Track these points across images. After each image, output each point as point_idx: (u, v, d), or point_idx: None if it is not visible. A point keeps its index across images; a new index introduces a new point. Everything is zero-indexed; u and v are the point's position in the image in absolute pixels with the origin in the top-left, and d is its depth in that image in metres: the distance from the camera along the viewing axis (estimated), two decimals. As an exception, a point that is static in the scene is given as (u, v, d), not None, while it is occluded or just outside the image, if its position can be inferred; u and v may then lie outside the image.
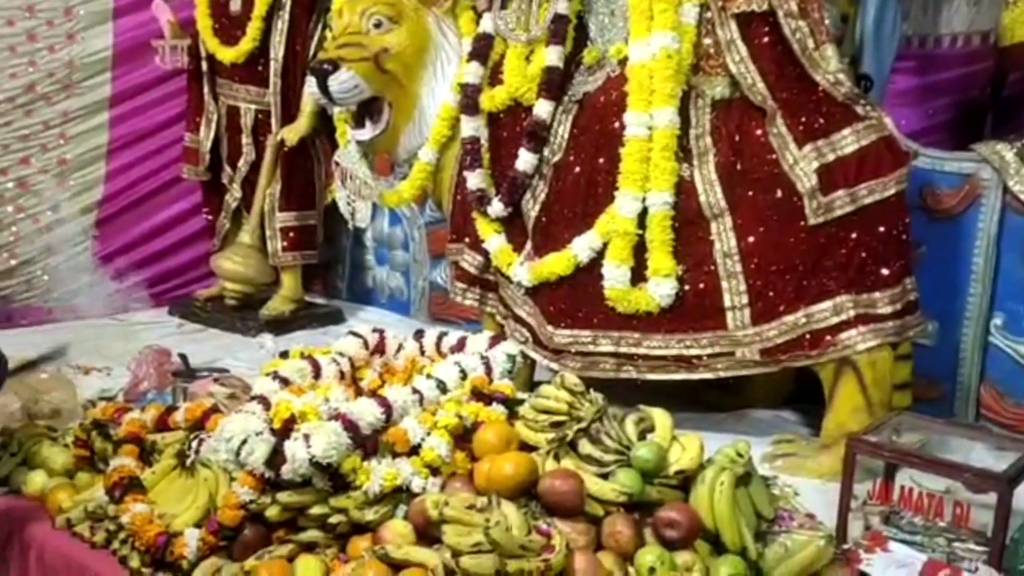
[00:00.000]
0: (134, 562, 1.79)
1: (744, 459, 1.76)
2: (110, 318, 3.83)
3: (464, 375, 2.07)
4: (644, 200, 2.42)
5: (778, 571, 1.67)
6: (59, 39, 3.76)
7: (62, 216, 3.86)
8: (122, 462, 1.96)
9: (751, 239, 2.37)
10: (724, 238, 2.39)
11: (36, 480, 2.09)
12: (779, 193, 2.34)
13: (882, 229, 2.31)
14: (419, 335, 2.39)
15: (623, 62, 2.50)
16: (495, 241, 2.73)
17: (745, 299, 2.37)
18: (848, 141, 2.32)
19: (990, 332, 2.60)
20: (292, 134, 3.62)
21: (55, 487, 2.03)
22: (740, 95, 2.41)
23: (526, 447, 1.89)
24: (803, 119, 2.34)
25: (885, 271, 2.32)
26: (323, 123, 3.60)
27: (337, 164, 3.07)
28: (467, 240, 2.84)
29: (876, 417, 2.21)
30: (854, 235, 2.31)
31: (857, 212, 2.30)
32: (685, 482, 1.77)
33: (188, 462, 1.93)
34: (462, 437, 1.91)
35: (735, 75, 2.39)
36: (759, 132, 2.38)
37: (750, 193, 2.38)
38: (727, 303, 2.39)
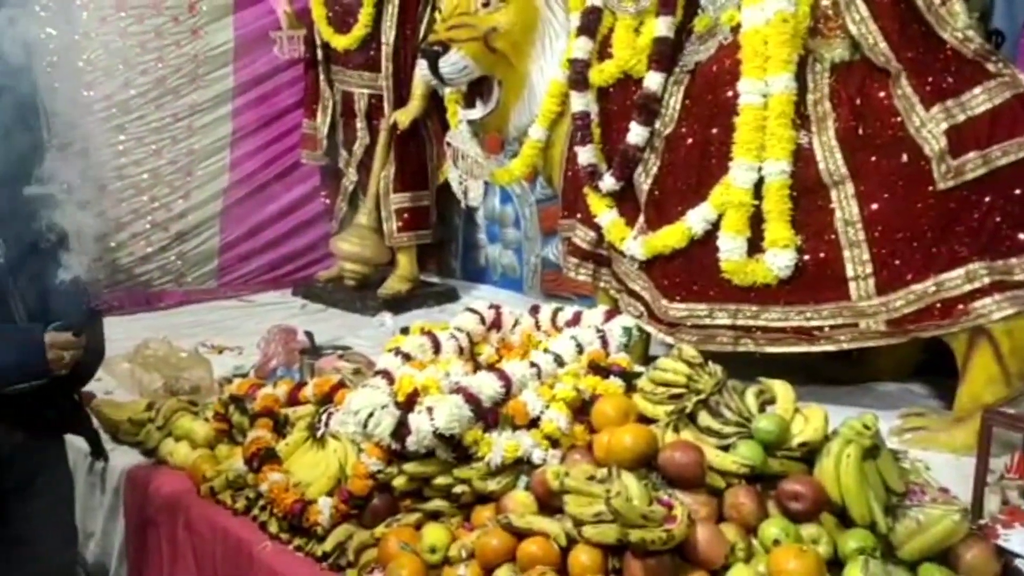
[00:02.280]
0: (273, 527, 1.89)
1: (871, 431, 1.71)
2: (238, 300, 4.02)
3: (581, 349, 2.08)
4: (760, 170, 2.38)
5: (909, 546, 1.61)
6: (184, 35, 3.94)
7: (191, 204, 4.06)
8: (258, 434, 2.06)
9: (875, 206, 2.29)
10: (846, 206, 2.32)
11: (181, 451, 2.23)
12: (905, 157, 2.26)
13: (1018, 192, 2.19)
14: (535, 310, 2.42)
15: (736, 29, 2.45)
16: (607, 216, 2.73)
17: (869, 268, 2.30)
18: (979, 100, 2.21)
19: None
20: (404, 117, 3.70)
21: (198, 458, 2.16)
22: (861, 57, 2.33)
23: (644, 419, 1.89)
24: (930, 79, 2.24)
25: (1022, 236, 2.20)
26: (434, 105, 3.67)
27: (449, 144, 3.13)
28: (579, 216, 2.85)
29: (1013, 388, 2.12)
30: (987, 199, 2.20)
31: (990, 174, 2.19)
32: (809, 455, 1.73)
33: (319, 434, 2.02)
34: (580, 410, 1.93)
35: (855, 36, 2.31)
36: (882, 95, 2.30)
37: (873, 158, 2.30)
38: (850, 273, 2.32)
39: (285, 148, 4.19)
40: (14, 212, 1.86)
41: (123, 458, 2.34)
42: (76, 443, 2.10)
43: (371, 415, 1.87)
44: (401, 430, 1.83)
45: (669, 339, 2.56)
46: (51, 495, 2.00)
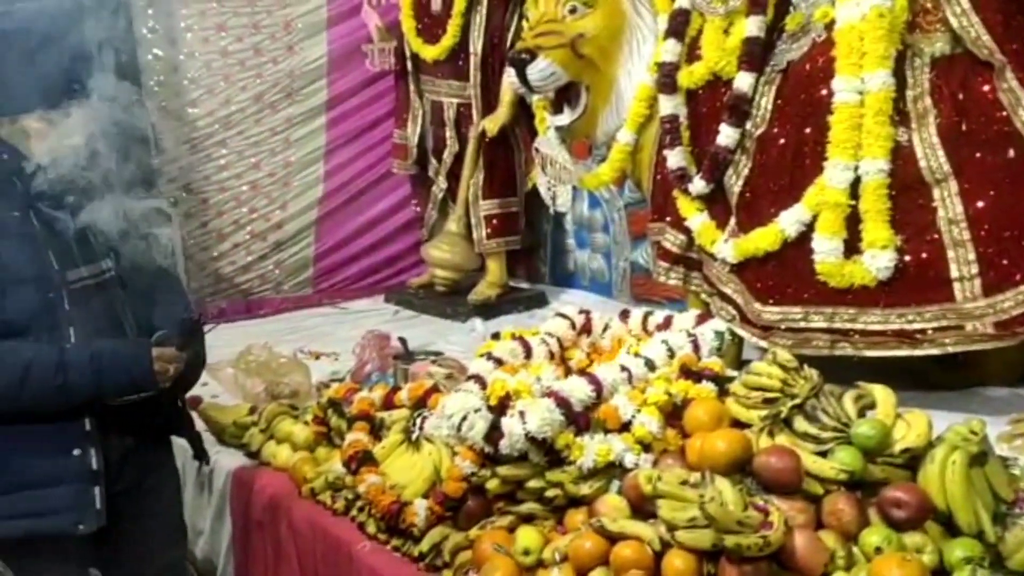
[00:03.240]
0: (371, 528, 1.94)
1: (978, 437, 1.65)
2: (333, 307, 4.14)
3: (672, 353, 2.07)
4: (856, 169, 2.32)
5: (1020, 555, 1.55)
6: (280, 51, 4.09)
7: (288, 214, 4.20)
8: (356, 437, 2.12)
9: (980, 204, 2.21)
10: (949, 204, 2.24)
11: (282, 453, 2.31)
12: (1011, 153, 2.18)
13: None
14: (624, 315, 2.41)
15: (829, 26, 2.39)
16: (698, 219, 2.70)
17: (975, 269, 2.22)
18: (1092, 92, 2.11)
19: None
20: (492, 124, 3.75)
21: (299, 460, 2.23)
22: (962, 50, 2.25)
23: (738, 424, 1.87)
24: (1037, 71, 2.15)
25: None
26: (522, 112, 3.70)
27: (537, 151, 3.15)
28: (668, 219, 2.83)
29: None
30: (1100, 194, 2.10)
31: (1104, 169, 2.09)
32: (912, 461, 1.68)
33: (413, 437, 2.06)
34: (672, 414, 1.92)
35: (956, 29, 2.23)
36: (986, 89, 2.22)
37: (978, 155, 2.22)
38: (954, 274, 2.24)
39: (377, 158, 4.30)
40: (125, 226, 1.95)
41: (229, 460, 2.44)
42: (184, 446, 2.21)
43: (464, 419, 1.90)
44: (494, 434, 1.85)
45: (762, 343, 2.52)
46: (159, 495, 2.09)
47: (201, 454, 2.21)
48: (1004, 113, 2.18)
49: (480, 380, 2.05)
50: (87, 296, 1.92)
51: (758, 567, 1.50)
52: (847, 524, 1.60)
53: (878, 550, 1.53)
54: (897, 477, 1.67)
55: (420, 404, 2.17)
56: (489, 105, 3.79)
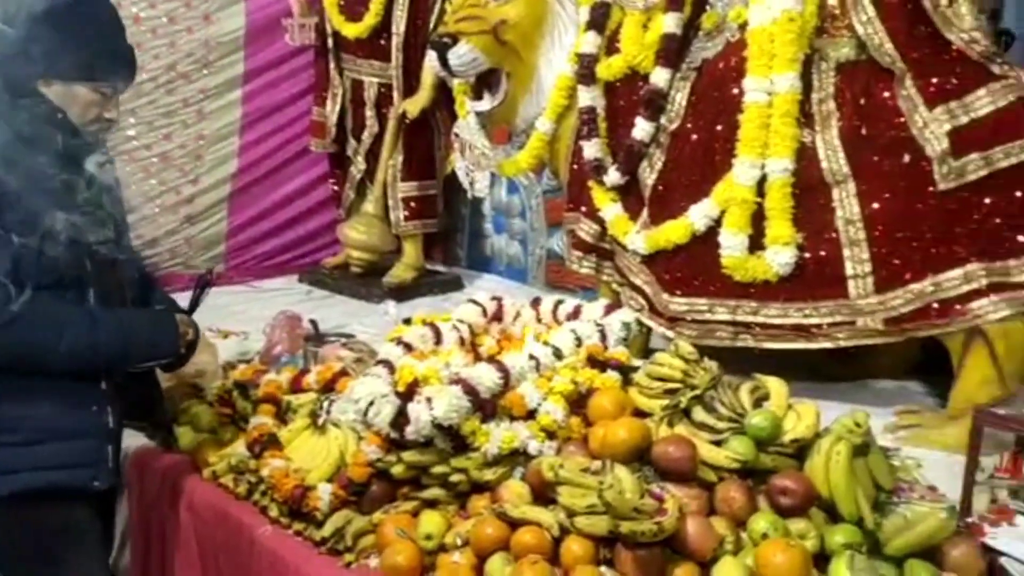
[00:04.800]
0: (273, 512, 1.93)
1: (862, 429, 1.74)
2: (245, 285, 4.06)
3: (580, 342, 2.11)
4: (763, 167, 2.39)
5: (896, 542, 1.64)
6: (196, 20, 3.95)
7: (200, 188, 4.09)
8: (261, 420, 2.10)
9: (876, 205, 2.30)
10: (847, 205, 2.34)
11: (186, 435, 2.26)
12: (907, 157, 2.27)
13: (1019, 194, 2.20)
14: (536, 303, 2.45)
15: (743, 26, 2.46)
16: (611, 210, 2.75)
17: (868, 267, 2.32)
18: (983, 102, 2.22)
19: None
20: (413, 106, 3.72)
21: (202, 442, 2.20)
22: (867, 57, 2.34)
23: (640, 413, 1.93)
24: (934, 80, 2.25)
25: (1021, 238, 2.21)
26: (443, 95, 3.68)
27: (456, 135, 3.15)
28: (583, 209, 2.87)
29: (1007, 389, 2.14)
30: (988, 200, 2.21)
31: (992, 176, 2.20)
32: (800, 451, 1.76)
33: (320, 422, 2.06)
34: (577, 403, 1.96)
35: (862, 36, 2.32)
36: (887, 95, 2.31)
37: (875, 158, 2.31)
38: (849, 271, 2.33)
39: (294, 135, 4.21)
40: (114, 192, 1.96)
41: (128, 441, 2.36)
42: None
43: (371, 404, 1.91)
44: (400, 419, 1.86)
45: (669, 333, 2.59)
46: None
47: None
48: (902, 119, 2.28)
49: (389, 365, 2.06)
50: (103, 259, 1.91)
51: (651, 552, 1.56)
52: (737, 511, 1.67)
53: (764, 535, 1.61)
54: (786, 466, 1.75)
55: (328, 388, 2.16)
56: (410, 87, 3.76)
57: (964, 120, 2.22)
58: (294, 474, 1.91)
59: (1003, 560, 1.65)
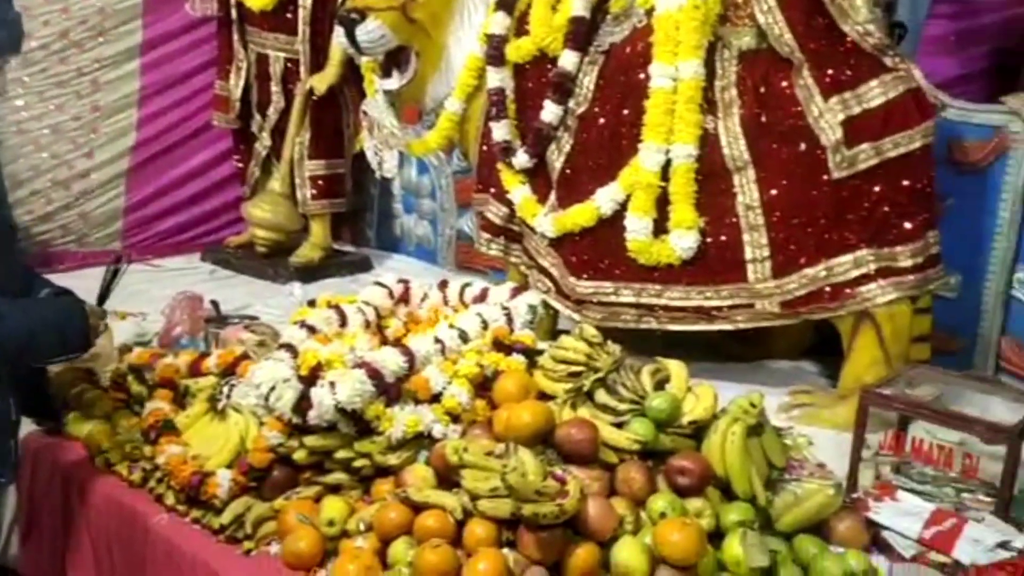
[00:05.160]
0: (170, 500, 1.88)
1: (757, 410, 1.80)
2: (144, 264, 3.92)
3: (486, 325, 2.12)
4: (668, 152, 2.43)
5: (786, 518, 1.71)
6: (90, -14, 3.79)
7: (95, 162, 3.92)
8: (157, 406, 2.04)
9: (774, 192, 2.37)
10: (747, 191, 2.40)
11: (77, 422, 2.18)
12: (803, 146, 2.34)
13: (906, 183, 2.30)
14: (443, 285, 2.44)
15: (650, 12, 2.48)
16: (520, 192, 2.76)
17: (767, 252, 2.39)
18: (875, 93, 2.29)
19: (1012, 286, 2.59)
20: (321, 83, 3.64)
21: (95, 428, 2.12)
22: (767, 46, 2.39)
23: (544, 396, 1.95)
24: (830, 71, 2.31)
25: (908, 225, 2.31)
26: (352, 72, 3.61)
27: (365, 113, 3.10)
28: (492, 191, 2.87)
29: (893, 370, 2.23)
30: (877, 188, 2.30)
31: (881, 165, 2.29)
32: (698, 432, 1.81)
33: (220, 406, 2.01)
34: (482, 386, 1.97)
35: (762, 25, 2.37)
36: (785, 84, 2.37)
37: (774, 146, 2.37)
38: (748, 256, 2.40)
39: (196, 108, 4.08)
40: None
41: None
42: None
43: (273, 388, 1.88)
44: (303, 404, 1.84)
45: (576, 316, 2.62)
46: None
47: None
48: (799, 108, 2.34)
49: (292, 349, 2.02)
50: None
51: (553, 534, 1.58)
52: (637, 491, 1.71)
53: (663, 515, 1.65)
54: (684, 447, 1.79)
55: (229, 372, 2.11)
56: (318, 62, 3.68)
57: (857, 110, 2.29)
58: (192, 461, 1.87)
59: (885, 534, 1.74)
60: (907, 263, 2.31)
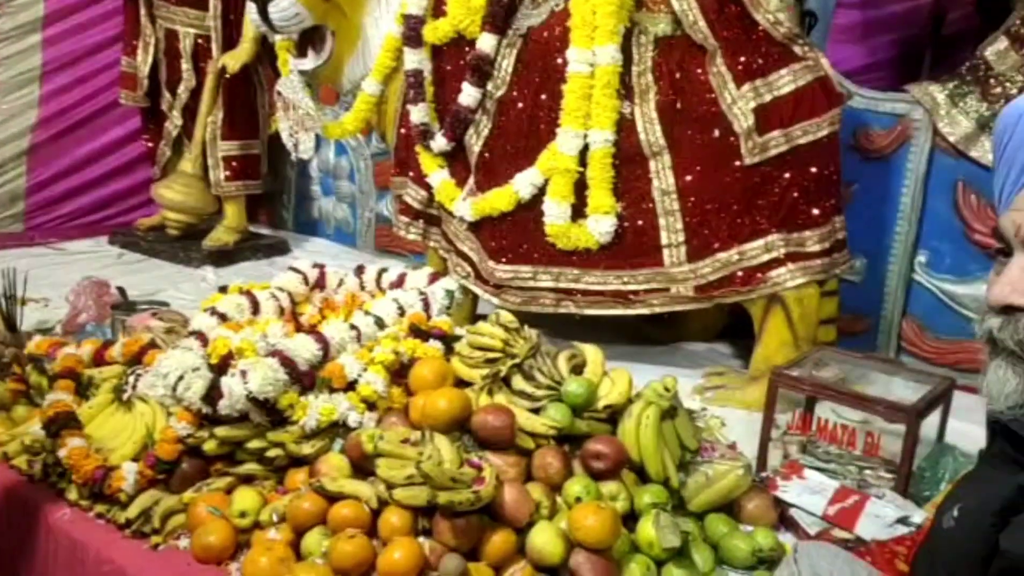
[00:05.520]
0: (72, 494, 1.81)
1: (670, 393, 1.83)
2: (47, 246, 3.77)
3: (402, 311, 2.09)
4: (585, 137, 2.44)
5: (699, 499, 1.75)
6: (-14, -45, 3.60)
7: (-5, 140, 3.76)
8: (58, 397, 1.96)
9: (688, 178, 2.40)
10: (663, 176, 2.42)
11: (-28, 413, 2.09)
12: (717, 132, 2.37)
13: (814, 169, 2.36)
14: (360, 271, 2.40)
15: (567, -4, 2.47)
16: (438, 176, 2.73)
17: (682, 237, 2.42)
18: (785, 81, 2.34)
19: (914, 269, 2.69)
20: (233, 61, 3.54)
21: (-8, 421, 2.03)
22: (682, 33, 2.41)
23: (461, 383, 1.93)
24: (742, 58, 2.35)
25: (815, 210, 2.37)
26: (266, 50, 3.53)
27: (279, 94, 3.02)
28: (411, 174, 2.84)
29: (801, 351, 2.30)
30: (787, 175, 2.35)
31: (791, 152, 2.34)
32: (614, 416, 1.83)
33: (125, 397, 1.94)
34: (399, 373, 1.94)
35: (677, 12, 2.39)
36: (700, 71, 2.39)
37: (689, 132, 2.40)
38: (664, 240, 2.43)
39: (102, 85, 3.94)
40: None
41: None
42: None
43: (181, 378, 1.82)
44: (213, 393, 1.79)
45: (495, 300, 2.62)
46: None
47: None
48: (713, 95, 2.37)
49: (202, 336, 1.97)
50: None
51: (469, 521, 1.57)
52: (553, 476, 1.72)
53: (578, 499, 1.66)
54: (600, 431, 1.81)
55: (135, 361, 2.04)
56: (230, 39, 3.58)
57: (768, 98, 2.34)
58: (95, 454, 1.80)
59: (792, 511, 1.79)
60: (815, 248, 2.38)
